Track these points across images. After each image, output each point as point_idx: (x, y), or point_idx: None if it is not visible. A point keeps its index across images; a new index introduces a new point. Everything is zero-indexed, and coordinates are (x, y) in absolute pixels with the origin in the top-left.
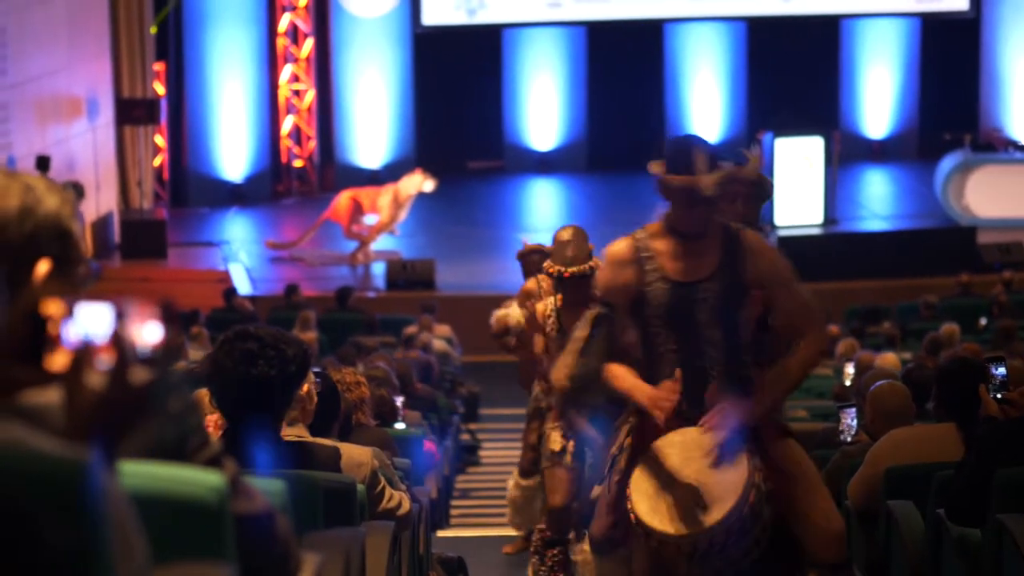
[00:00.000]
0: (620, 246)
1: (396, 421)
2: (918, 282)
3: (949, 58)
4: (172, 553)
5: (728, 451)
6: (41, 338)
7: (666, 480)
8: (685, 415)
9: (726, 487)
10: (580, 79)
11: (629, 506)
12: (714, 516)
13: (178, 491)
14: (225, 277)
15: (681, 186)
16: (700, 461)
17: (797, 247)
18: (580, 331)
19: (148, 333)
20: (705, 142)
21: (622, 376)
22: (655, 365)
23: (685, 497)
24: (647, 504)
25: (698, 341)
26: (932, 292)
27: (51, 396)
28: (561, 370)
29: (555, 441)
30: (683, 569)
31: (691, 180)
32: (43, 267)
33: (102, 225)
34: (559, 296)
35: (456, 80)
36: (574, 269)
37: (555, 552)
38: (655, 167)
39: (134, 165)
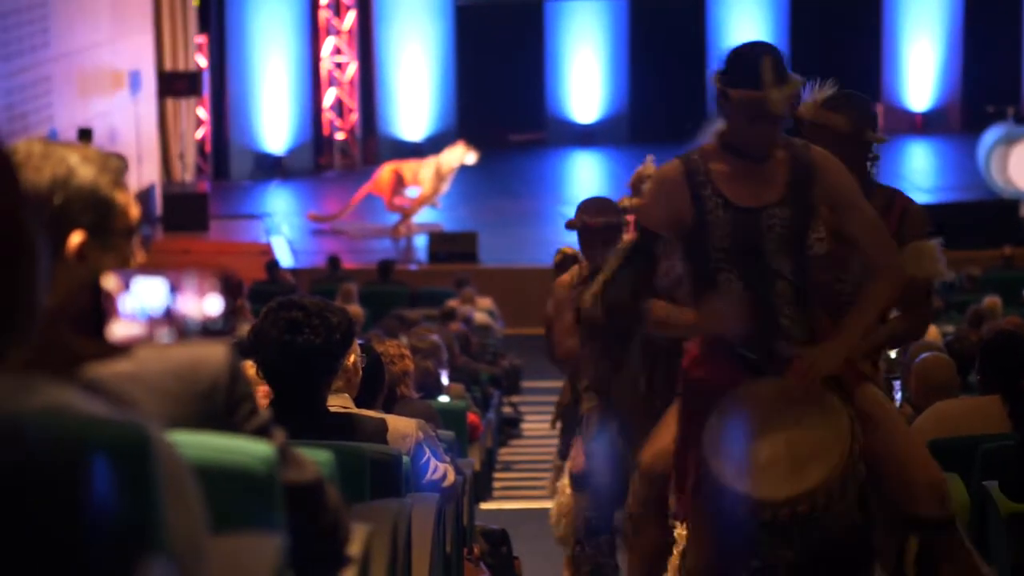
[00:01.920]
0: (670, 168)
1: (440, 394)
2: (960, 255)
3: (992, 30)
4: (221, 523)
5: (816, 401)
6: (102, 311)
7: (749, 438)
8: (751, 362)
9: (823, 441)
10: (622, 51)
11: (704, 471)
12: (815, 475)
13: (227, 461)
14: (267, 250)
15: (745, 100)
16: (786, 414)
17: None
18: (611, 261)
19: (209, 304)
20: (774, 49)
21: (673, 311)
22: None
23: (777, 456)
24: (732, 467)
25: (766, 275)
26: (974, 265)
27: (113, 368)
28: (588, 298)
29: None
30: (767, 545)
31: (757, 94)
32: (75, 238)
33: (144, 198)
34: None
35: (498, 52)
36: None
37: (601, 540)
38: (715, 78)
39: (176, 138)
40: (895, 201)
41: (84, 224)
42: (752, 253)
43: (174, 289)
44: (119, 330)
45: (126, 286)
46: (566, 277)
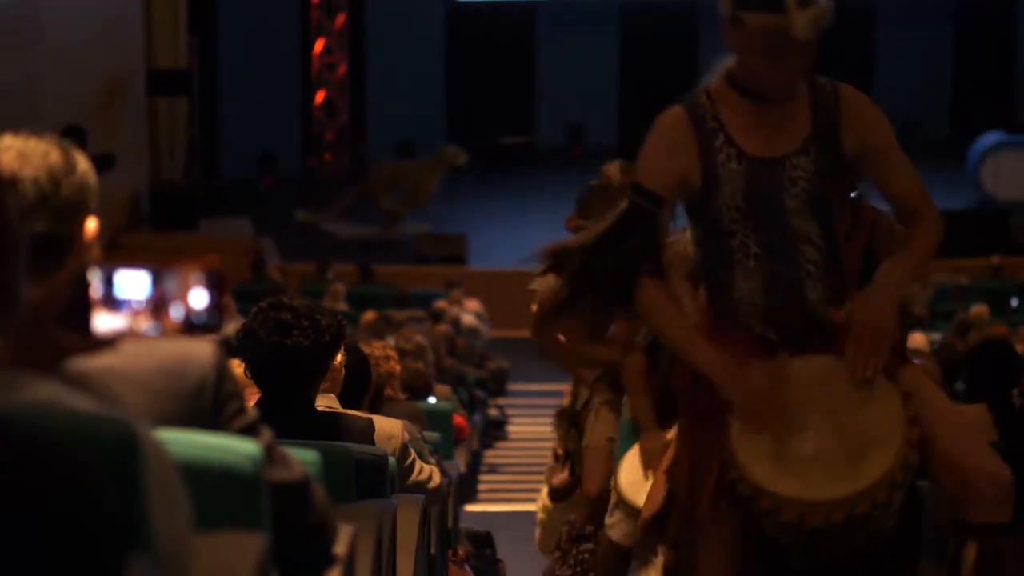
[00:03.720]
0: (672, 116)
1: (429, 395)
2: (949, 263)
3: (985, 34)
4: (207, 521)
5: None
6: (87, 304)
7: (786, 431)
8: (773, 343)
9: (879, 426)
10: (613, 55)
11: (736, 475)
12: (877, 468)
13: (213, 459)
14: (256, 249)
15: (762, 27)
16: (828, 397)
17: None
18: (602, 222)
19: (195, 299)
20: None
21: (676, 320)
22: (728, 279)
23: (826, 448)
24: (767, 467)
25: (788, 239)
26: (962, 274)
27: (99, 364)
28: (573, 247)
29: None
30: (806, 552)
31: (778, 19)
32: (92, 224)
33: (133, 196)
34: None
35: (490, 55)
36: None
37: (582, 549)
38: (724, 5)
39: (165, 136)
40: (863, 213)
41: (93, 210)
42: (772, 212)
43: (157, 282)
44: (103, 324)
45: (110, 280)
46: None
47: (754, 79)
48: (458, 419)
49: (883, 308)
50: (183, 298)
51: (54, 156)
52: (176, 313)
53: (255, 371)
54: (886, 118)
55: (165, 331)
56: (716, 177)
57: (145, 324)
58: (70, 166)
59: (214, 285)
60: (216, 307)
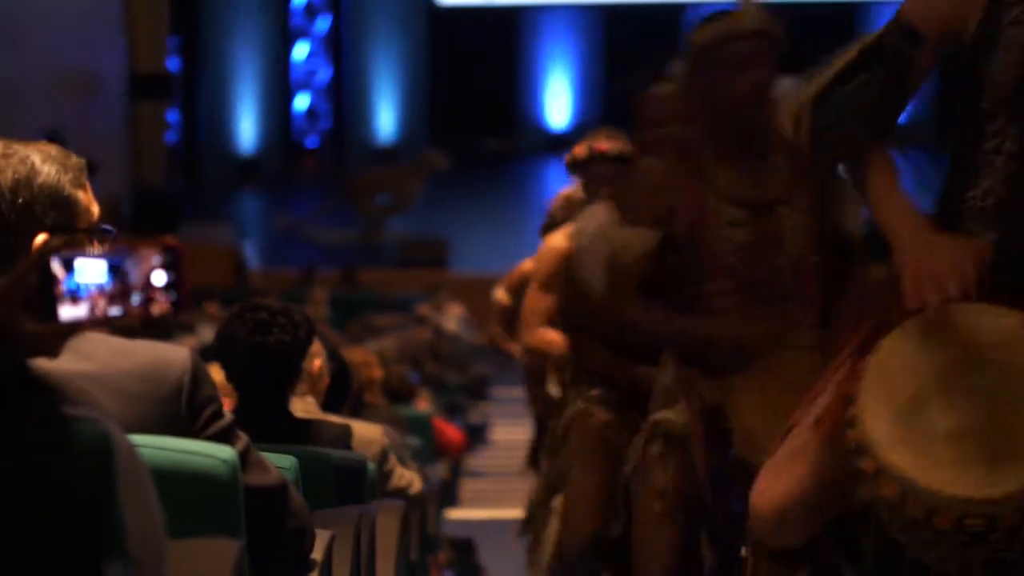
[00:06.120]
0: None
1: (413, 401)
2: None
3: None
4: (183, 526)
5: None
6: (52, 294)
7: (928, 391)
8: (996, 285)
9: None
10: (596, 60)
11: (853, 415)
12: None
13: (189, 463)
14: (237, 254)
15: None
16: (1001, 370)
17: None
18: (835, 63)
19: (156, 278)
20: None
21: (890, 191)
22: (968, 179)
23: (960, 432)
24: (887, 426)
25: None
26: None
27: (74, 368)
28: (788, 119)
29: None
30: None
31: None
32: (40, 240)
33: (114, 200)
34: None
35: (471, 59)
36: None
37: None
38: None
39: (147, 140)
40: None
41: (49, 224)
42: None
43: (116, 267)
44: (66, 312)
45: (69, 266)
46: (559, 238)
47: None
48: (453, 433)
49: None
50: (144, 279)
51: (8, 174)
52: (136, 300)
53: (234, 373)
54: None
55: (130, 315)
56: (995, 40)
57: (107, 309)
58: (20, 186)
59: (171, 264)
60: (175, 285)
